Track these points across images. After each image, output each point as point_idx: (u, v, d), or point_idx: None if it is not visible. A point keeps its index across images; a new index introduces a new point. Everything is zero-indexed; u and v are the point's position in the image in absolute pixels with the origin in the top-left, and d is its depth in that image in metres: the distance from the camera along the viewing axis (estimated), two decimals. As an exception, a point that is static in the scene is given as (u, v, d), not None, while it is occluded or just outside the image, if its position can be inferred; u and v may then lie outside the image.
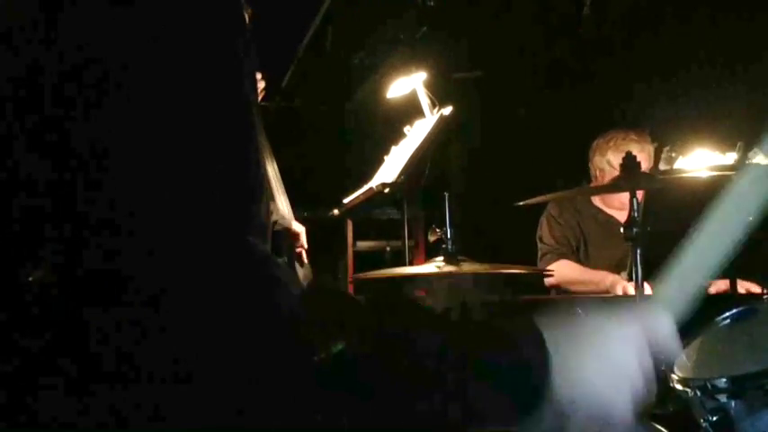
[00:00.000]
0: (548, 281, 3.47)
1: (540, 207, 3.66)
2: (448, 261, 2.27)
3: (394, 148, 3.44)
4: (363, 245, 5.08)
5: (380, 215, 4.01)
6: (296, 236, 3.20)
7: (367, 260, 4.89)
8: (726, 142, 2.89)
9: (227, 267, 0.77)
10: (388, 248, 4.53)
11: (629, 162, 2.29)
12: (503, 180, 4.47)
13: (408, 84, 3.58)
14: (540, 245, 3.63)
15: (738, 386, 1.47)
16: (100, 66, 0.77)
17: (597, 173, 3.53)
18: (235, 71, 0.83)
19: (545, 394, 0.82)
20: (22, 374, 0.76)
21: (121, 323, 0.74)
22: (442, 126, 3.15)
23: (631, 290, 3.10)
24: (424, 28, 4.38)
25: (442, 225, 2.33)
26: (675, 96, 4.05)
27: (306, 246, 3.26)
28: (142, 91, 0.77)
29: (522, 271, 3.13)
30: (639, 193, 2.32)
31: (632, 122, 3.61)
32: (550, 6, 4.40)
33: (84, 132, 0.76)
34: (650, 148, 3.36)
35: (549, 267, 3.44)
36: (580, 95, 4.59)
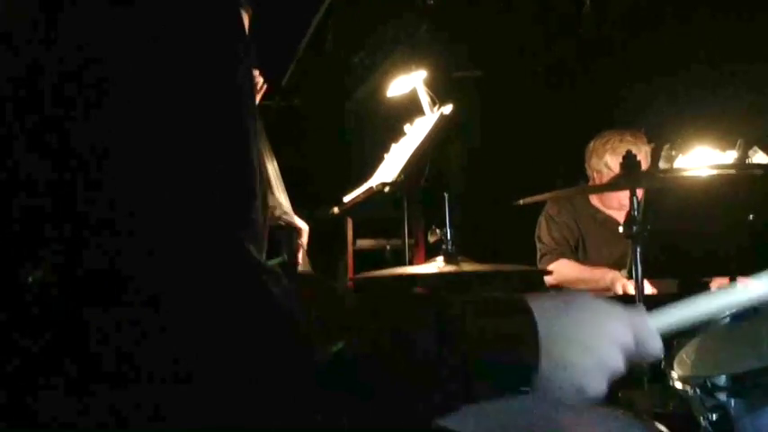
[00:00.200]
0: (548, 280, 3.47)
1: (540, 206, 3.66)
2: (448, 261, 2.27)
3: (394, 147, 3.44)
4: (363, 244, 5.08)
5: (380, 214, 4.01)
6: (299, 231, 3.20)
7: (367, 259, 4.89)
8: (726, 140, 2.89)
9: (226, 267, 0.77)
10: (388, 247, 4.52)
11: (630, 161, 2.29)
12: (502, 179, 4.47)
13: (408, 82, 3.58)
14: (539, 245, 3.63)
15: (738, 384, 1.47)
16: (100, 66, 0.77)
17: (594, 174, 3.53)
18: (233, 72, 0.83)
19: (533, 382, 0.84)
20: (22, 374, 0.76)
21: (121, 323, 0.74)
22: (443, 125, 3.15)
23: (631, 288, 3.11)
24: (424, 27, 4.37)
25: (441, 226, 2.33)
26: (675, 95, 4.05)
27: (305, 245, 3.26)
28: (142, 91, 0.77)
29: (522, 269, 3.14)
30: (639, 192, 2.32)
31: (632, 122, 3.61)
32: (550, 6, 4.40)
33: (84, 132, 0.76)
34: (647, 149, 3.36)
35: (548, 267, 3.44)
36: (580, 95, 4.59)
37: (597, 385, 0.86)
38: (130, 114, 0.76)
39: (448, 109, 3.21)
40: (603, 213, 3.56)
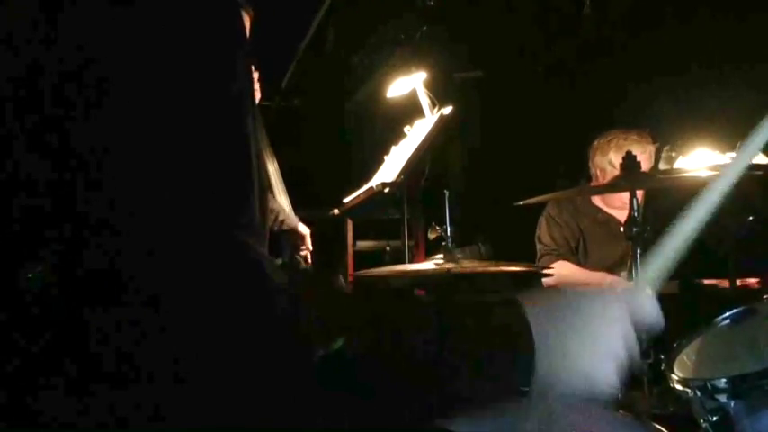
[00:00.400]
0: (546, 282, 3.47)
1: (540, 207, 3.66)
2: (447, 258, 2.27)
3: (394, 148, 3.44)
4: (363, 244, 5.08)
5: (380, 215, 4.01)
6: (302, 237, 3.20)
7: (367, 260, 4.89)
8: (726, 141, 2.89)
9: (225, 267, 0.77)
10: (387, 248, 4.52)
11: (630, 162, 2.29)
12: (502, 180, 4.47)
13: (408, 83, 3.58)
14: (538, 245, 3.63)
15: (738, 386, 1.47)
16: (100, 66, 0.77)
17: (598, 172, 3.52)
18: (233, 73, 0.83)
19: (532, 378, 0.83)
20: (22, 374, 0.76)
21: (121, 323, 0.74)
22: (442, 126, 3.15)
23: (630, 290, 3.11)
24: (424, 28, 4.38)
25: (441, 223, 2.33)
26: (675, 96, 4.04)
27: (311, 248, 3.26)
28: (141, 91, 0.77)
29: (521, 269, 3.13)
30: (639, 193, 2.32)
31: (632, 122, 3.60)
32: (550, 7, 4.40)
33: (84, 132, 0.76)
34: (652, 149, 3.35)
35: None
36: (580, 96, 4.59)
37: (605, 371, 0.85)
38: (130, 114, 0.76)
39: (448, 110, 3.21)
40: (605, 213, 3.55)
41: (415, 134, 3.30)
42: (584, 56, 4.56)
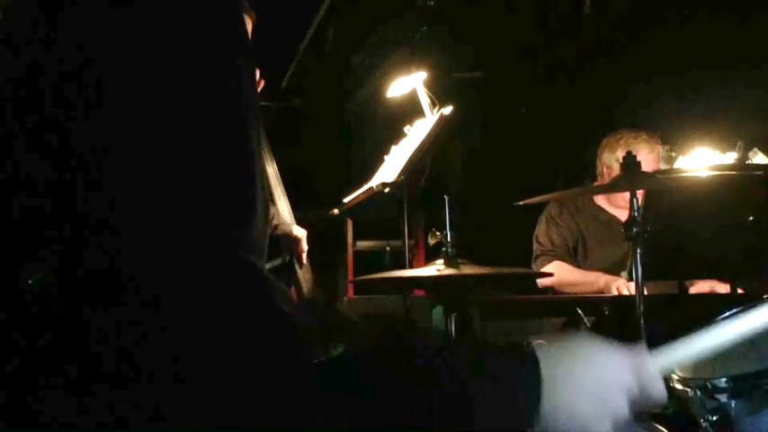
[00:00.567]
0: (541, 282, 3.47)
1: (541, 207, 3.66)
2: (448, 264, 2.27)
3: (394, 148, 3.43)
4: (363, 244, 5.09)
5: (380, 215, 4.02)
6: (297, 241, 3.19)
7: (367, 260, 4.89)
8: (726, 141, 2.89)
9: (225, 268, 0.77)
10: (387, 248, 4.53)
11: (630, 162, 2.29)
12: (502, 180, 4.47)
13: (408, 83, 3.58)
14: (534, 245, 3.63)
15: (738, 386, 1.47)
16: (100, 66, 0.77)
17: (604, 170, 3.52)
18: (234, 72, 0.83)
19: (533, 416, 0.83)
20: (22, 374, 0.76)
21: (121, 323, 0.74)
22: (442, 126, 3.15)
23: (626, 292, 3.12)
24: (424, 28, 4.37)
25: (441, 228, 2.32)
26: (675, 96, 4.05)
27: (305, 249, 3.26)
28: (142, 92, 0.77)
29: (521, 272, 3.14)
30: (640, 193, 2.32)
31: (632, 122, 3.61)
32: (551, 7, 4.40)
33: (84, 132, 0.76)
34: (660, 149, 3.35)
35: (541, 270, 3.44)
36: (580, 96, 4.59)
37: (600, 428, 0.86)
38: (130, 115, 0.76)
39: (448, 110, 3.21)
40: (607, 213, 3.55)
41: (415, 134, 3.30)
42: (585, 56, 4.56)
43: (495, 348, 0.86)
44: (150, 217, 0.75)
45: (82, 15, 0.79)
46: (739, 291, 2.77)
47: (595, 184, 3.60)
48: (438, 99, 3.38)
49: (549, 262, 3.49)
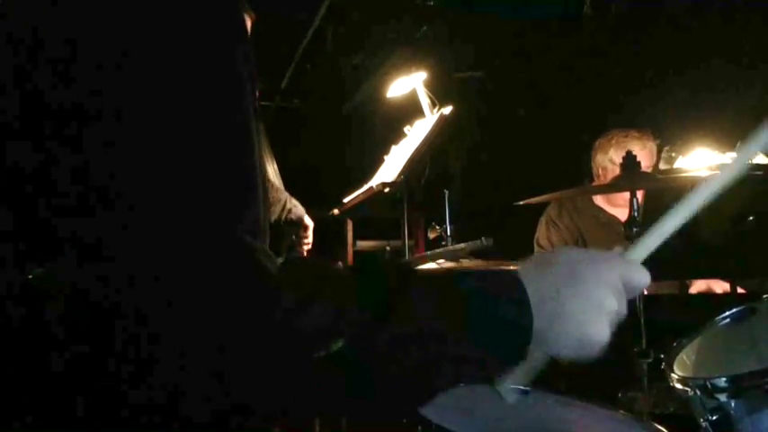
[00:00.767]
0: None
1: (540, 207, 3.66)
2: (450, 252, 2.26)
3: (394, 148, 3.44)
4: (363, 244, 5.08)
5: (380, 215, 4.02)
6: (305, 228, 3.21)
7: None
8: (725, 142, 2.89)
9: (227, 262, 0.77)
10: (388, 248, 4.52)
11: (630, 161, 2.29)
12: (502, 180, 4.47)
13: (408, 83, 3.58)
14: (536, 247, 3.63)
15: (738, 385, 1.47)
16: (96, 63, 0.77)
17: (600, 171, 3.52)
18: (234, 74, 0.83)
19: (528, 339, 0.84)
20: (23, 374, 0.76)
21: (122, 319, 0.74)
22: (442, 126, 3.15)
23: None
24: (424, 28, 4.37)
25: (441, 222, 2.33)
26: (675, 96, 4.05)
27: (310, 240, 3.27)
28: (142, 89, 0.77)
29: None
30: (640, 193, 2.32)
31: (632, 122, 3.60)
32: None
33: (84, 133, 0.76)
34: (652, 146, 3.36)
35: None
36: (580, 96, 4.59)
37: (599, 331, 0.86)
38: (131, 113, 0.76)
39: (448, 110, 3.21)
40: (607, 214, 3.55)
41: (415, 134, 3.30)
42: (585, 57, 4.56)
43: (479, 277, 0.86)
44: (150, 212, 0.75)
45: (76, 9, 0.79)
46: (739, 290, 2.77)
47: (593, 184, 3.60)
48: (438, 99, 3.38)
49: None
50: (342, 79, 5.11)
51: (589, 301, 0.86)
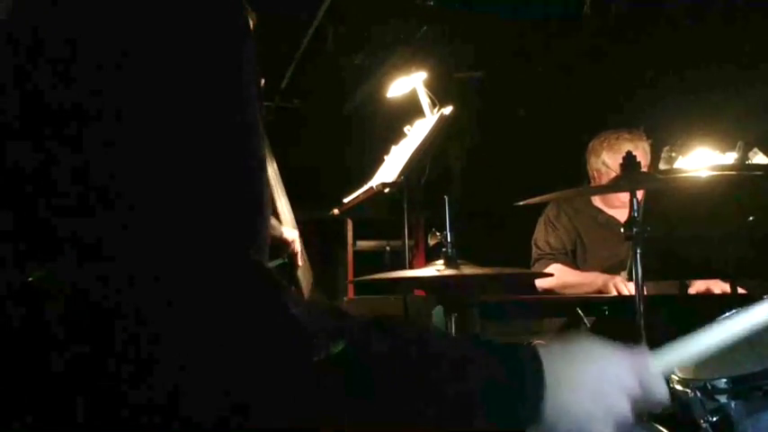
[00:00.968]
0: (540, 285, 3.47)
1: (539, 208, 3.66)
2: (448, 264, 2.27)
3: (394, 148, 3.44)
4: (363, 244, 5.09)
5: (380, 215, 4.02)
6: (287, 243, 3.20)
7: (367, 260, 4.89)
8: (726, 141, 2.89)
9: (224, 263, 0.77)
10: (387, 248, 4.53)
11: (629, 162, 2.28)
12: (502, 181, 4.47)
13: (408, 83, 3.58)
14: (533, 248, 3.63)
15: (738, 387, 1.47)
16: (98, 64, 0.77)
17: (594, 174, 3.53)
18: (238, 72, 0.82)
19: (536, 416, 0.83)
20: (24, 375, 0.76)
21: (125, 326, 0.74)
22: (442, 126, 3.15)
23: (624, 289, 3.12)
24: (424, 28, 4.37)
25: (441, 228, 2.32)
26: (675, 96, 4.05)
27: (298, 250, 3.26)
28: (145, 94, 0.77)
29: (521, 272, 3.14)
30: (639, 193, 2.32)
31: (632, 122, 3.61)
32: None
33: (85, 135, 0.76)
34: (645, 145, 3.36)
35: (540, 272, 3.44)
36: (580, 96, 4.59)
37: (602, 430, 0.86)
38: (131, 112, 0.76)
39: (448, 110, 3.21)
40: (605, 214, 3.56)
41: (415, 134, 3.30)
42: (584, 57, 4.56)
43: (496, 347, 0.86)
44: (154, 221, 0.75)
45: (77, 8, 0.79)
46: (739, 291, 2.77)
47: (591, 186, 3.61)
48: (438, 99, 3.38)
49: (548, 265, 3.50)
50: (342, 79, 5.12)
51: (603, 402, 0.86)
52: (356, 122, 5.33)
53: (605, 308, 2.99)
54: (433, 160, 3.31)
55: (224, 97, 0.81)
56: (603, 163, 3.43)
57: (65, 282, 0.75)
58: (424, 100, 3.40)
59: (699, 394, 1.51)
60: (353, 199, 3.43)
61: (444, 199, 2.37)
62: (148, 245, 0.75)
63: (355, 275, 4.93)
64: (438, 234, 2.33)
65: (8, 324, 0.77)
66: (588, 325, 2.90)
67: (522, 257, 3.65)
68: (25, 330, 0.76)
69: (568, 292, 3.42)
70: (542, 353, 0.85)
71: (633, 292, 2.23)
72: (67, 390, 0.75)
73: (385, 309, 3.25)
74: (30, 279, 0.76)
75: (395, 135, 3.48)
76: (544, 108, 4.68)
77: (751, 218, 2.49)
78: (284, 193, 3.34)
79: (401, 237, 3.22)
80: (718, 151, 2.96)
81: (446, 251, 2.28)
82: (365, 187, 3.31)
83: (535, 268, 3.53)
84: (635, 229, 2.20)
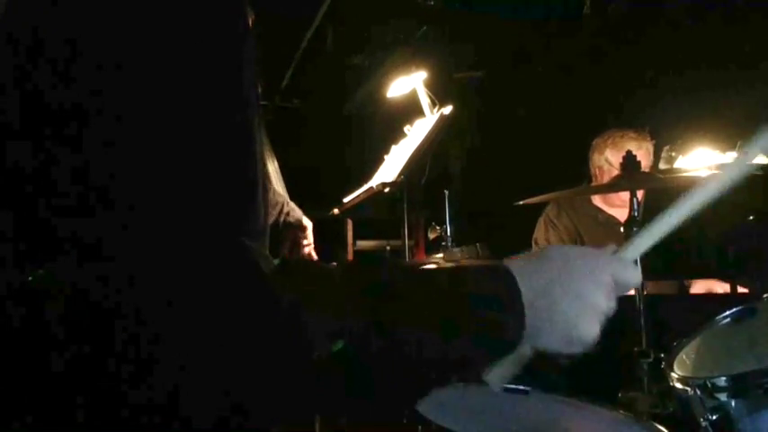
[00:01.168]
0: None
1: (540, 207, 3.66)
2: (447, 258, 2.26)
3: (394, 148, 3.44)
4: (363, 244, 5.08)
5: (380, 215, 4.02)
6: (303, 229, 3.20)
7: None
8: (726, 141, 2.89)
9: (228, 269, 0.77)
10: (388, 248, 4.52)
11: (629, 161, 2.28)
12: (502, 180, 4.47)
13: (408, 83, 3.58)
14: (534, 247, 3.63)
15: (738, 385, 1.47)
16: (101, 68, 0.77)
17: (596, 171, 3.53)
18: (238, 73, 0.82)
19: (520, 335, 0.84)
20: (25, 375, 0.76)
21: (123, 324, 0.74)
22: (442, 125, 3.15)
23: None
24: (424, 28, 4.37)
25: (441, 223, 2.32)
26: (676, 96, 4.05)
27: (311, 241, 3.26)
28: (143, 90, 0.77)
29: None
30: (639, 193, 2.32)
31: (632, 122, 3.61)
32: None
33: (84, 134, 0.76)
34: (649, 146, 3.36)
35: None
36: (580, 96, 4.59)
37: (589, 329, 0.87)
38: (131, 112, 0.76)
39: (448, 110, 3.21)
40: (605, 213, 3.56)
41: (415, 134, 3.30)
42: (584, 57, 4.56)
43: (472, 270, 0.87)
44: (151, 217, 0.75)
45: (76, 10, 0.79)
46: (739, 290, 2.78)
47: (591, 184, 3.61)
48: (438, 99, 3.38)
49: None
50: (342, 79, 5.11)
51: (581, 299, 0.87)
52: (356, 122, 5.33)
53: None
54: (432, 160, 3.31)
55: (223, 97, 0.81)
56: (606, 160, 3.43)
57: (65, 282, 0.76)
58: (424, 100, 3.40)
59: (698, 392, 1.51)
60: (353, 199, 3.43)
61: (444, 193, 2.37)
62: (148, 245, 0.75)
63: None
64: (438, 228, 2.33)
65: (8, 324, 0.77)
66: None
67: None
68: (25, 330, 0.76)
69: None
70: (516, 271, 0.86)
71: (633, 292, 2.23)
72: (67, 390, 0.75)
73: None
74: (30, 279, 0.76)
75: (395, 135, 3.48)
76: (544, 108, 4.68)
77: (751, 218, 2.50)
78: (285, 192, 3.34)
79: (401, 236, 3.22)
80: (718, 151, 2.96)
81: (445, 244, 2.28)
82: (365, 187, 3.31)
83: None
84: (635, 229, 2.20)
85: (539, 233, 3.64)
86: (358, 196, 3.38)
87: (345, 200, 3.52)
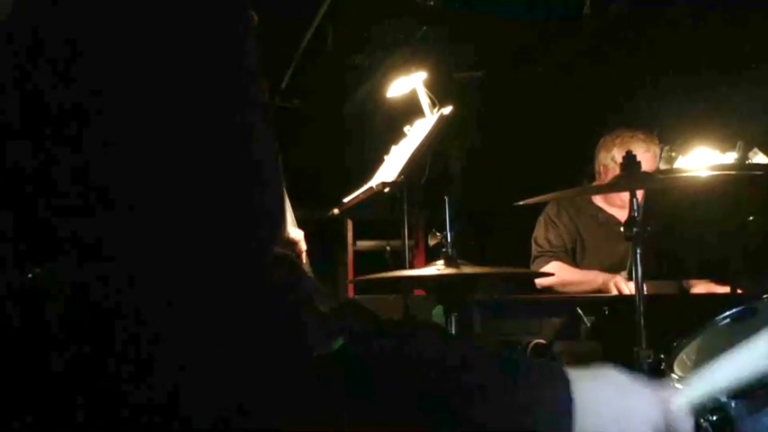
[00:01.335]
0: (539, 283, 3.47)
1: (540, 207, 3.66)
2: (448, 264, 2.27)
3: (394, 148, 3.44)
4: (363, 244, 5.09)
5: (380, 215, 4.02)
6: (294, 243, 3.20)
7: (367, 260, 4.89)
8: (726, 141, 2.89)
9: (223, 262, 0.77)
10: (387, 248, 4.52)
11: (630, 161, 2.28)
12: (502, 180, 4.47)
13: (408, 83, 3.58)
14: (534, 246, 3.63)
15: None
16: (101, 69, 0.77)
17: (601, 169, 3.53)
18: (241, 70, 0.82)
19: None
20: (27, 376, 0.76)
21: (125, 327, 0.74)
22: (442, 126, 3.15)
23: (625, 288, 3.12)
24: (424, 28, 4.37)
25: (441, 229, 2.33)
26: (676, 96, 4.05)
27: (304, 249, 3.26)
28: (141, 92, 0.77)
29: (521, 271, 3.14)
30: (639, 193, 2.32)
31: (632, 122, 3.61)
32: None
33: (84, 133, 0.76)
34: (656, 149, 3.36)
35: (539, 270, 3.44)
36: (580, 96, 4.59)
37: None
38: (131, 112, 0.76)
39: (448, 110, 3.21)
40: (606, 213, 3.56)
41: (415, 134, 3.30)
42: (585, 56, 4.56)
43: (527, 361, 0.86)
44: (155, 218, 0.75)
45: (77, 10, 0.78)
46: (739, 291, 2.78)
47: (593, 183, 3.61)
48: (438, 99, 3.38)
49: (548, 263, 3.50)
50: (342, 79, 5.11)
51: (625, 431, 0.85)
52: (356, 122, 5.33)
53: (605, 307, 2.99)
54: (433, 160, 3.31)
55: (224, 97, 0.80)
56: (612, 159, 3.42)
57: (65, 282, 0.75)
58: (424, 100, 3.40)
59: (699, 393, 1.51)
60: (353, 199, 3.43)
61: (444, 200, 2.37)
62: (148, 245, 0.75)
63: (355, 275, 4.94)
64: (438, 234, 2.34)
65: (8, 324, 0.77)
66: (588, 325, 2.90)
67: (521, 257, 3.65)
68: (25, 330, 0.76)
69: (568, 290, 3.43)
70: (573, 377, 0.84)
71: (633, 292, 2.23)
72: (67, 390, 0.75)
73: (385, 309, 3.25)
74: (30, 279, 0.76)
75: (395, 135, 3.48)
76: (544, 108, 4.67)
77: (751, 218, 2.50)
78: (285, 192, 3.34)
79: (401, 237, 3.22)
80: (718, 151, 2.96)
81: (446, 251, 2.28)
82: (365, 187, 3.31)
83: (534, 266, 3.54)
84: (635, 229, 2.20)
85: (538, 231, 3.64)
86: (358, 196, 3.38)
87: (345, 200, 3.52)
